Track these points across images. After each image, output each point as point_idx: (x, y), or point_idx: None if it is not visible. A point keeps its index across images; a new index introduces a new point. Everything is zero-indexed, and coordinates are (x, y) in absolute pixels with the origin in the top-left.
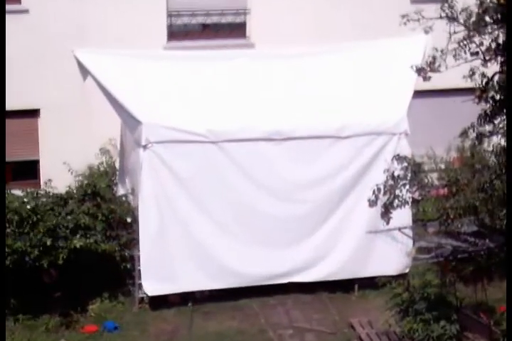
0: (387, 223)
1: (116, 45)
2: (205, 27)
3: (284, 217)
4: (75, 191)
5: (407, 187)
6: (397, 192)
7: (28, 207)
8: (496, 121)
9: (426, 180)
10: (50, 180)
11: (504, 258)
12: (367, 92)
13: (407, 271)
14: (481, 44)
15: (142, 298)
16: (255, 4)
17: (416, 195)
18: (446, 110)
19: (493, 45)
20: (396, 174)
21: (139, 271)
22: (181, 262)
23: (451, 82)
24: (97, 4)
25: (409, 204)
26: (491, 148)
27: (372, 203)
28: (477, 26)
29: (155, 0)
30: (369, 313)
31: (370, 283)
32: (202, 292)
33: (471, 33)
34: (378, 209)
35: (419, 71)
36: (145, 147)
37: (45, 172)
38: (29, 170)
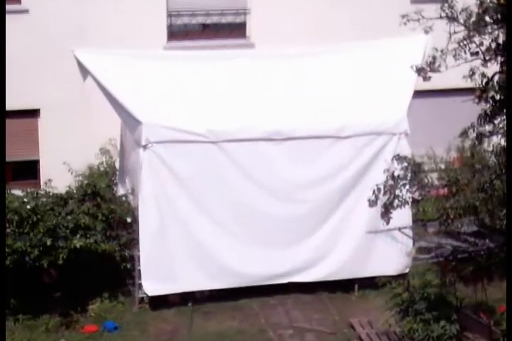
0: (387, 223)
1: (116, 45)
2: (205, 27)
3: (284, 217)
4: (75, 191)
5: (407, 187)
6: (397, 192)
7: (28, 207)
8: (496, 121)
9: (426, 180)
10: (50, 180)
11: (504, 258)
12: (367, 92)
13: (407, 271)
14: (481, 44)
15: (142, 298)
16: (255, 4)
17: (416, 195)
18: (446, 110)
19: (493, 45)
20: (396, 174)
21: (139, 271)
22: (181, 262)
23: (451, 82)
24: (97, 4)
25: (409, 204)
26: (491, 148)
27: (372, 203)
28: (477, 26)
29: (155, 0)
30: (369, 313)
31: (370, 283)
32: (202, 292)
33: (471, 33)
34: (378, 209)
35: (419, 71)
36: (145, 147)
37: (45, 172)
38: (29, 170)
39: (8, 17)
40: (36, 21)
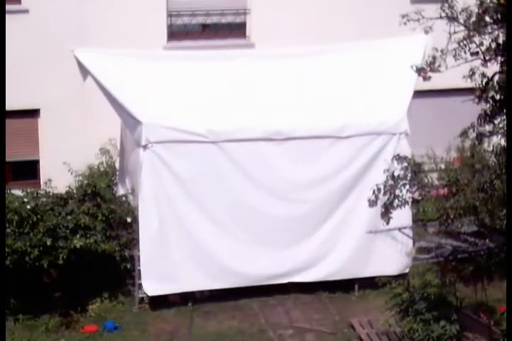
0: (387, 223)
1: (116, 45)
2: (205, 27)
3: (284, 217)
4: (75, 191)
5: (407, 187)
6: (397, 192)
7: (28, 207)
8: (496, 121)
9: (426, 180)
10: (50, 180)
11: (504, 258)
12: (367, 92)
13: (407, 271)
14: (481, 44)
15: (142, 298)
16: (255, 4)
17: (416, 195)
18: (446, 110)
19: (493, 45)
20: (396, 174)
21: (139, 271)
22: (181, 262)
23: (451, 82)
24: (97, 4)
25: (409, 204)
26: (491, 148)
27: (372, 203)
28: (477, 26)
29: (155, 0)
30: (369, 313)
31: (370, 283)
32: (202, 292)
33: (471, 33)
34: (378, 209)
35: (419, 71)
36: (145, 147)
37: (45, 172)
38: (29, 170)
39: (8, 17)
40: (36, 21)
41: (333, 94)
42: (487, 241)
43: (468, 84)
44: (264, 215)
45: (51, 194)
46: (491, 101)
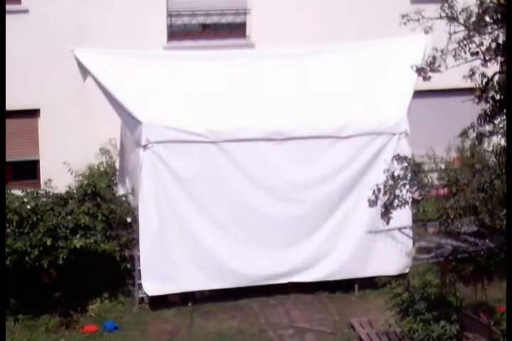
0: (387, 223)
1: (117, 45)
2: (205, 27)
3: (284, 217)
4: (75, 191)
5: (407, 187)
6: (397, 192)
7: (28, 207)
8: (496, 121)
9: (426, 180)
10: (50, 180)
11: (504, 258)
12: (367, 92)
13: (407, 271)
14: (481, 44)
15: (142, 298)
16: (255, 4)
17: (416, 195)
18: (446, 110)
19: (493, 45)
20: (396, 174)
21: (139, 271)
22: (181, 262)
23: (451, 82)
24: (97, 4)
25: (409, 204)
26: (491, 148)
27: (372, 203)
28: (477, 26)
29: (155, 0)
30: (369, 313)
31: (370, 283)
32: (202, 292)
33: (471, 33)
34: (378, 209)
35: (419, 71)
36: (145, 147)
37: (45, 172)
38: (29, 170)
39: (8, 17)
40: (36, 21)
41: (333, 94)
42: (487, 241)
43: (468, 84)
44: (264, 215)
45: (51, 194)
46: (491, 101)
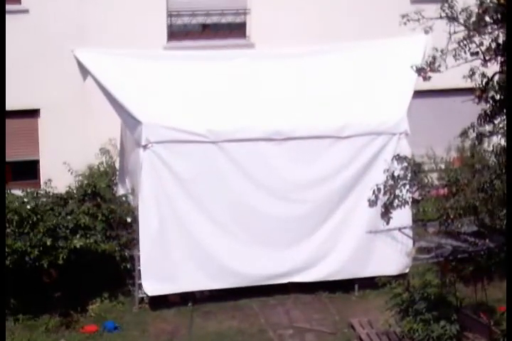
0: (387, 223)
1: (117, 45)
2: (205, 27)
3: (284, 217)
4: (75, 191)
5: (407, 187)
6: (397, 192)
7: (28, 207)
8: (496, 121)
9: (426, 180)
10: (50, 180)
11: (504, 258)
12: (367, 92)
13: (407, 271)
14: (481, 44)
15: (142, 298)
16: (255, 4)
17: (416, 195)
18: (446, 110)
19: (493, 45)
20: (396, 174)
21: (139, 271)
22: (181, 262)
23: (451, 82)
24: (97, 4)
25: (409, 204)
26: (491, 148)
27: (372, 203)
28: (477, 26)
29: (155, 0)
30: (369, 313)
31: (370, 283)
32: (202, 292)
33: (471, 33)
34: (378, 209)
35: (419, 71)
36: (145, 147)
37: (45, 172)
38: (29, 170)
39: (8, 17)
40: (36, 21)
41: (333, 94)
42: (487, 241)
43: (468, 84)
44: (264, 215)
45: (51, 194)
46: (491, 101)
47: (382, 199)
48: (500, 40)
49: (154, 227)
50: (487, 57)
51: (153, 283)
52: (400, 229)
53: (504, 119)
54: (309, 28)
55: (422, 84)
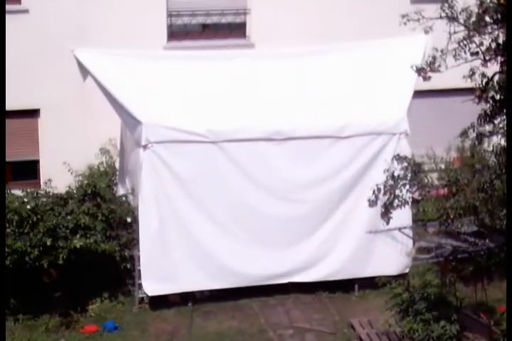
0: (387, 223)
1: (117, 45)
2: (205, 27)
3: (284, 217)
4: (75, 191)
5: (407, 187)
6: (397, 192)
7: (28, 207)
8: (496, 121)
9: (426, 180)
10: (50, 180)
11: (504, 258)
12: (367, 92)
13: (407, 271)
14: (481, 44)
15: (142, 298)
16: (255, 4)
17: (416, 195)
18: (446, 110)
19: (493, 45)
20: (396, 174)
21: (139, 271)
22: (181, 262)
23: (451, 82)
24: (97, 4)
25: (409, 204)
26: (491, 148)
27: (372, 203)
28: (477, 26)
29: (155, 0)
30: (369, 313)
31: (370, 283)
32: (202, 292)
33: (471, 33)
34: (378, 209)
35: (419, 71)
36: (145, 147)
37: (45, 172)
38: (29, 170)
39: (8, 17)
40: (36, 21)
41: (333, 94)
42: (487, 241)
43: (468, 84)
44: (264, 215)
45: (51, 194)
46: (491, 101)
47: (382, 199)
48: (500, 40)
49: (154, 227)
50: (487, 57)
51: (153, 283)
52: (400, 229)
53: (504, 119)
54: (309, 28)
55: (422, 84)
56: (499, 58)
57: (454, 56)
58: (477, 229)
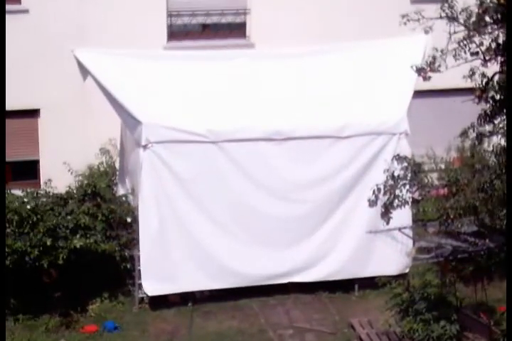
0: (387, 223)
1: (117, 45)
2: (205, 27)
3: (284, 217)
4: (75, 191)
5: (407, 187)
6: (397, 192)
7: (28, 207)
8: (496, 121)
9: (426, 180)
10: (50, 180)
11: (504, 258)
12: (367, 92)
13: (407, 271)
14: (481, 44)
15: (142, 298)
16: (255, 4)
17: (416, 195)
18: (446, 110)
19: (493, 45)
20: (396, 174)
21: (139, 271)
22: (181, 262)
23: (451, 82)
24: (97, 4)
25: (409, 204)
26: (491, 148)
27: (372, 203)
28: (477, 26)
29: (155, 0)
30: (369, 313)
31: (370, 283)
32: (202, 292)
33: (471, 33)
34: (378, 209)
35: (419, 71)
36: (145, 147)
37: (45, 172)
38: (29, 170)
39: (8, 17)
40: (36, 21)
41: (333, 94)
42: (487, 241)
43: (468, 84)
44: (264, 215)
45: (51, 194)
46: (491, 101)
47: (382, 199)
48: (500, 40)
49: (154, 227)
50: (487, 57)
51: (153, 283)
52: (400, 229)
53: (504, 119)
54: (309, 28)
55: (422, 84)
56: (499, 58)
57: (454, 56)
58: (477, 229)
